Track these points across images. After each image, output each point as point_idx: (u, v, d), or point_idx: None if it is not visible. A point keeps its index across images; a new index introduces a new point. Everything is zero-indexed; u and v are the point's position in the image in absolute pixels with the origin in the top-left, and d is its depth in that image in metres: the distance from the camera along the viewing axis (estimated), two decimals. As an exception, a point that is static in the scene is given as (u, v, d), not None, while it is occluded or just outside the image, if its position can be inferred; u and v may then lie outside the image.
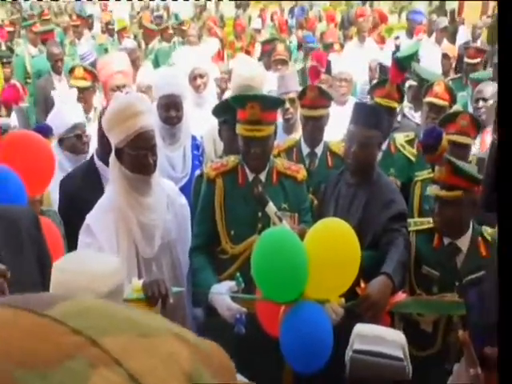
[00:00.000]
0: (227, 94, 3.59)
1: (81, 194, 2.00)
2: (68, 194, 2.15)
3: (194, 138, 2.67)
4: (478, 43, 6.37)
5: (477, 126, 2.47)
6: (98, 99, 3.46)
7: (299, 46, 7.03)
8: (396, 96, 2.74)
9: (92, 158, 2.24)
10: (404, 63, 2.75)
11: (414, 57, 3.09)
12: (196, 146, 2.66)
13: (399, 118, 3.46)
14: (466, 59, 4.59)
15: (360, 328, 1.18)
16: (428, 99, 2.95)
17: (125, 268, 1.70)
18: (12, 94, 2.57)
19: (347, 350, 1.13)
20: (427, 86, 3.07)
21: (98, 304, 0.34)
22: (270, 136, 1.95)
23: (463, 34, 7.36)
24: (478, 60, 4.57)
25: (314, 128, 2.51)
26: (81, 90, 3.39)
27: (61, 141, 2.51)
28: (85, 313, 0.32)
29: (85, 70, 3.63)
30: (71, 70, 3.71)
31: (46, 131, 2.30)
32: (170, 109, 2.49)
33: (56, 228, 1.87)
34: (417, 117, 3.45)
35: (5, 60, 4.60)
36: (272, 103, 1.99)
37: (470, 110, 3.53)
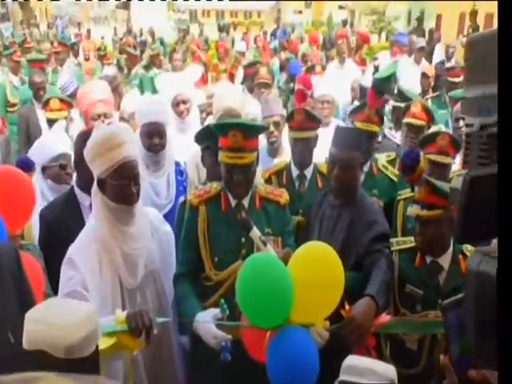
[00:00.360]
0: (208, 120, 3.62)
1: (61, 222, 2.00)
2: (48, 222, 2.14)
3: (177, 164, 2.68)
4: (453, 62, 6.57)
5: (456, 146, 2.53)
6: (76, 128, 3.46)
7: (282, 68, 7.16)
8: (376, 120, 2.81)
9: (72, 187, 2.24)
10: (382, 85, 2.82)
11: (391, 78, 3.17)
12: (180, 172, 2.66)
13: (380, 138, 3.53)
14: (449, 78, 4.71)
15: (350, 360, 1.19)
16: (406, 120, 3.02)
17: (108, 306, 1.70)
18: None
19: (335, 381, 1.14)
20: (405, 107, 3.15)
21: None
22: (252, 163, 1.97)
23: (438, 53, 7.58)
24: (461, 79, 4.71)
25: (303, 150, 2.54)
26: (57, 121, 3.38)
27: (44, 169, 2.50)
28: None
29: (60, 100, 3.63)
30: (46, 102, 3.66)
31: (27, 166, 2.29)
32: (154, 136, 2.50)
33: (36, 262, 1.85)
34: (397, 137, 3.52)
35: None
36: (254, 131, 2.01)
37: (451, 127, 3.63)
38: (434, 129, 3.01)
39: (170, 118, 2.91)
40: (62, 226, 1.91)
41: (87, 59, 7.33)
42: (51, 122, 3.48)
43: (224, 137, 1.94)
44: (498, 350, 0.78)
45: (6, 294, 1.36)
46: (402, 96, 3.56)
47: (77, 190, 2.17)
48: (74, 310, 1.23)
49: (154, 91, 5.29)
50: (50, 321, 1.18)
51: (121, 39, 11.81)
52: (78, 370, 1.12)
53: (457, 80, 4.63)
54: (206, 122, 3.60)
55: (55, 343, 1.14)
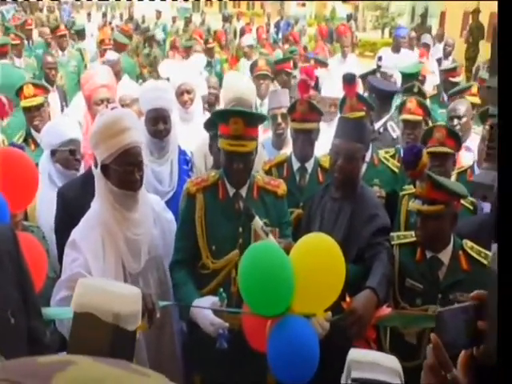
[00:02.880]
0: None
1: (78, 201, 1.98)
2: (66, 201, 2.15)
3: (183, 153, 2.67)
4: (450, 60, 6.58)
5: (455, 138, 2.53)
6: (81, 113, 3.42)
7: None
8: (360, 106, 2.87)
9: (90, 168, 2.24)
10: (406, 79, 2.84)
11: (416, 75, 3.36)
12: (185, 161, 2.65)
13: (382, 129, 3.55)
14: (450, 78, 4.69)
15: (355, 354, 1.20)
16: (402, 116, 3.06)
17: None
18: None
19: (343, 376, 1.15)
20: (400, 103, 3.20)
21: (93, 375, 0.34)
22: (252, 151, 1.96)
23: (435, 52, 7.57)
24: (461, 79, 4.74)
25: (305, 142, 2.53)
26: (34, 108, 3.16)
27: (53, 153, 2.48)
28: None
29: (34, 85, 3.33)
30: (19, 91, 3.28)
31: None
32: (159, 122, 2.50)
33: (39, 244, 1.84)
34: (396, 129, 3.55)
35: None
36: (255, 119, 2.01)
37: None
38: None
39: (173, 103, 2.90)
40: (79, 205, 1.90)
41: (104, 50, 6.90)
42: (27, 111, 3.20)
43: (225, 124, 1.94)
44: (498, 349, 0.79)
45: (3, 275, 1.35)
46: (421, 93, 3.62)
47: (94, 170, 2.17)
48: (125, 286, 1.33)
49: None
50: (104, 287, 1.24)
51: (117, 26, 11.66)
52: (119, 339, 1.18)
53: (457, 80, 4.66)
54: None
55: (106, 308, 1.19)
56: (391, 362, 1.16)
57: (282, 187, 2.10)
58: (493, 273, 0.80)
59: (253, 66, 4.49)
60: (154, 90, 2.59)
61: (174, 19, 13.39)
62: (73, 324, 1.23)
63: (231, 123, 1.90)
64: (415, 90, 3.71)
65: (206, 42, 7.23)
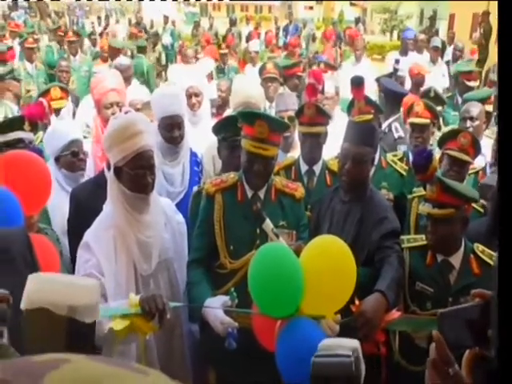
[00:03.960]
0: (227, 112, 3.64)
1: (91, 203, 2.01)
2: (79, 203, 2.17)
3: (194, 155, 2.69)
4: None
5: (476, 147, 2.51)
6: (91, 116, 3.47)
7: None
8: (368, 109, 2.88)
9: (102, 170, 2.26)
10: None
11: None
12: (196, 163, 2.67)
13: (386, 130, 3.56)
14: (465, 82, 4.60)
15: (325, 340, 1.31)
16: (410, 120, 3.06)
17: (122, 292, 1.72)
18: (37, 111, 2.57)
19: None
20: (408, 107, 3.20)
21: (89, 373, 0.34)
22: (274, 156, 1.99)
23: (449, 54, 7.55)
24: (477, 83, 4.67)
25: (312, 145, 2.55)
26: (59, 110, 3.37)
27: (57, 159, 2.51)
28: None
29: (61, 89, 3.60)
30: (45, 92, 3.56)
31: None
32: (174, 129, 2.51)
33: (52, 246, 1.87)
34: (400, 130, 3.56)
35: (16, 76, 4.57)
36: (279, 125, 2.03)
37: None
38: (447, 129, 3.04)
39: (186, 116, 2.92)
40: (91, 207, 1.93)
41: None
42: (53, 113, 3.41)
43: (250, 126, 1.95)
44: (499, 349, 0.79)
45: (19, 278, 1.38)
46: (438, 98, 3.63)
47: (107, 173, 2.19)
48: (81, 278, 1.27)
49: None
50: (55, 280, 1.18)
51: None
52: (76, 333, 1.13)
53: (473, 84, 4.57)
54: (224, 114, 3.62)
55: (59, 301, 1.12)
56: (350, 342, 1.24)
57: (299, 190, 2.11)
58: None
59: (261, 69, 4.53)
60: (167, 97, 2.58)
61: (173, 22, 13.45)
62: (25, 323, 1.14)
63: (256, 125, 1.92)
64: (431, 94, 3.70)
65: (219, 47, 7.11)
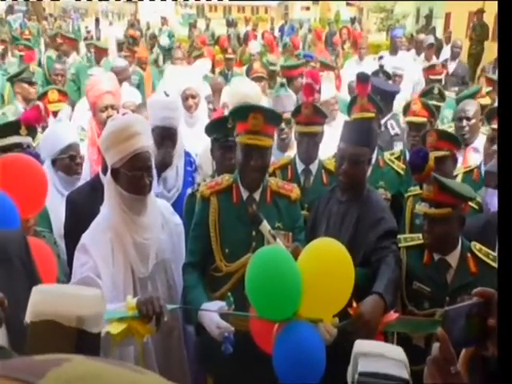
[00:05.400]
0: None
1: (87, 207, 2.01)
2: (75, 207, 2.17)
3: (188, 155, 2.68)
4: (456, 61, 6.58)
5: (448, 139, 2.53)
6: (86, 119, 3.46)
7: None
8: (370, 106, 2.90)
9: (97, 174, 2.26)
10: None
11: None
12: (190, 163, 2.66)
13: (382, 128, 3.58)
14: (430, 76, 4.77)
15: (361, 346, 1.17)
16: (407, 119, 3.08)
17: (119, 294, 1.72)
18: (33, 115, 2.56)
19: (350, 368, 1.14)
20: (405, 105, 3.23)
21: (90, 370, 0.34)
22: (269, 148, 1.98)
23: (444, 52, 7.58)
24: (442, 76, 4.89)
25: (309, 145, 2.55)
26: (56, 113, 3.35)
27: (54, 162, 2.51)
28: (75, 382, 0.33)
29: (58, 91, 3.61)
30: (43, 95, 3.57)
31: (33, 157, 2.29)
32: (165, 140, 2.47)
33: (49, 249, 1.86)
34: (396, 127, 3.57)
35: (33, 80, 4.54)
36: (273, 116, 2.03)
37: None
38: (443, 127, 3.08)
39: (182, 118, 2.90)
40: (87, 211, 1.93)
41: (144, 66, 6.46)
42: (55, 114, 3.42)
43: (244, 121, 1.95)
44: (499, 349, 0.79)
45: (17, 280, 1.37)
46: (441, 95, 3.69)
47: (102, 177, 2.19)
48: (85, 288, 1.25)
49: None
50: (62, 291, 1.17)
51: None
52: (84, 343, 1.12)
53: (438, 77, 4.73)
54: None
55: (67, 312, 1.11)
56: (398, 353, 1.15)
57: (295, 191, 2.10)
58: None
59: (249, 69, 4.55)
60: (163, 109, 2.52)
61: (166, 22, 13.38)
62: (30, 335, 1.11)
63: (251, 118, 1.92)
64: (435, 91, 3.73)
65: (225, 50, 6.71)
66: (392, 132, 3.56)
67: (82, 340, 1.10)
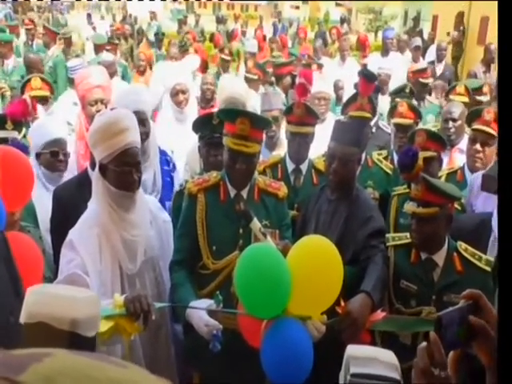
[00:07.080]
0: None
1: (74, 202, 1.98)
2: (61, 202, 2.14)
3: (163, 153, 2.63)
4: (443, 63, 6.66)
5: (436, 140, 2.54)
6: (73, 113, 3.40)
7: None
8: (368, 107, 2.92)
9: (85, 169, 2.22)
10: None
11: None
12: (166, 162, 2.61)
13: (374, 129, 3.61)
14: (420, 79, 4.76)
15: (352, 350, 1.18)
16: (394, 120, 3.11)
17: (107, 291, 1.70)
18: (19, 109, 2.50)
19: (342, 371, 1.15)
20: (391, 107, 3.27)
21: (72, 365, 0.34)
22: (256, 154, 1.97)
23: (431, 54, 7.67)
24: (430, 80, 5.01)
25: (300, 145, 2.55)
26: (39, 100, 3.30)
27: (38, 156, 2.46)
28: (57, 377, 0.32)
29: (42, 80, 3.57)
30: (26, 83, 3.54)
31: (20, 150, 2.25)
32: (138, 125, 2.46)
33: (35, 244, 1.83)
34: (388, 126, 3.61)
35: None
36: (261, 122, 2.02)
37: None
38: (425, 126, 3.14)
39: (153, 105, 2.87)
40: (74, 206, 1.90)
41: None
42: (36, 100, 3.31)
43: (231, 123, 1.93)
44: (499, 349, 0.80)
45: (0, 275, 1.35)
46: (412, 93, 3.80)
47: (90, 172, 2.16)
48: (80, 290, 1.22)
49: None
50: (56, 293, 1.14)
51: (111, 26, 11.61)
52: (78, 348, 1.09)
53: (427, 81, 4.80)
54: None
55: (61, 315, 1.08)
56: (389, 356, 1.17)
57: (282, 190, 2.10)
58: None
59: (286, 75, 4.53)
60: (129, 94, 2.54)
61: (151, 17, 13.25)
62: (24, 337, 1.09)
63: (238, 123, 1.90)
64: (407, 90, 3.80)
65: (221, 50, 6.53)
66: (388, 130, 3.59)
67: (75, 344, 1.07)
